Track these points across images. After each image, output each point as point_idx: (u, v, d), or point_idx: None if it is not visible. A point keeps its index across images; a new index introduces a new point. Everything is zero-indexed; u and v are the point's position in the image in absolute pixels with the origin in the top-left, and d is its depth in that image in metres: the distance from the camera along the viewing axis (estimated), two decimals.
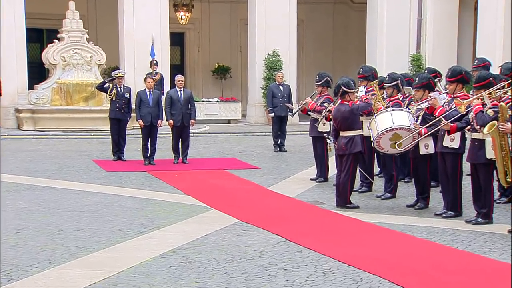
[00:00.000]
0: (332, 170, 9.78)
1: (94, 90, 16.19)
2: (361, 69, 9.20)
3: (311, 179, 9.98)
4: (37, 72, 20.85)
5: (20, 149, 12.97)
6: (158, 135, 11.74)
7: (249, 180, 9.99)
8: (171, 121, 11.31)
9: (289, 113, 13.22)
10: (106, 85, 11.85)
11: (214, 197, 8.57)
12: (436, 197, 8.28)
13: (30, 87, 17.17)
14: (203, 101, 19.34)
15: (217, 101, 19.45)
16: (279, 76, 13.67)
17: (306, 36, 23.77)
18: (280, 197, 8.63)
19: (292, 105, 13.00)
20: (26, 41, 17.13)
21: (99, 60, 17.15)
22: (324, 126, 9.51)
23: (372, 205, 8.14)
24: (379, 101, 8.38)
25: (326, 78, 9.91)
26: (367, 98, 8.13)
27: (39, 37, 21.57)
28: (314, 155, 10.12)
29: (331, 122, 8.61)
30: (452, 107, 7.11)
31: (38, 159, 11.86)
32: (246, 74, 20.89)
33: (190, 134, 11.91)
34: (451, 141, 7.11)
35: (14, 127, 16.40)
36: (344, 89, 7.96)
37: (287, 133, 13.86)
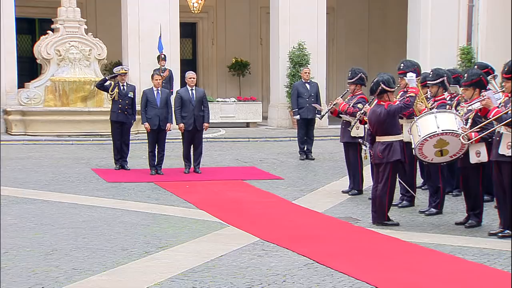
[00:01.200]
0: (368, 181, 9.73)
1: (94, 89, 16.35)
2: (402, 64, 9.10)
3: (343, 192, 9.95)
4: (28, 68, 21.12)
5: (8, 156, 13.14)
6: (166, 141, 11.82)
7: (271, 192, 9.99)
8: (181, 124, 11.38)
9: (317, 115, 13.20)
10: (107, 83, 11.97)
11: (230, 212, 8.59)
12: (491, 213, 8.19)
13: (20, 85, 17.37)
14: (218, 101, 19.43)
15: (234, 101, 19.51)
16: (306, 72, 13.68)
17: (337, 27, 23.76)
18: (307, 213, 8.62)
19: (321, 106, 12.99)
20: (16, 32, 17.33)
21: (99, 55, 17.32)
22: (358, 131, 9.49)
23: (415, 222, 8.08)
24: (421, 102, 8.33)
25: (360, 75, 9.89)
26: (408, 97, 8.02)
27: (31, 27, 21.84)
28: (346, 163, 10.09)
29: (366, 125, 8.58)
30: (510, 108, 7.01)
31: (29, 168, 12.01)
32: (268, 71, 20.92)
33: (203, 140, 11.97)
34: (508, 148, 7.00)
35: (1, 131, 16.57)
36: (384, 87, 7.93)
37: (314, 138, 13.86)
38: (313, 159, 13.35)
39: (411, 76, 8.10)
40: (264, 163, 13.02)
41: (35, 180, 10.73)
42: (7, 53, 16.83)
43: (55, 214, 8.26)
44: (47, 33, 17.39)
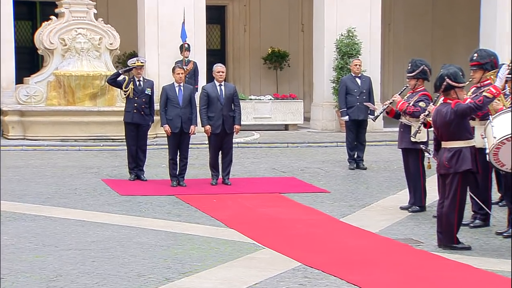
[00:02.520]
0: (432, 195, 9.63)
1: (105, 85, 16.52)
2: (476, 54, 8.92)
3: (402, 208, 9.87)
4: (28, 60, 21.44)
5: (4, 164, 13.32)
6: (190, 146, 11.87)
7: (314, 208, 9.96)
8: (208, 126, 11.42)
9: (370, 116, 13.12)
10: (121, 77, 12.07)
11: (266, 231, 8.58)
12: None
13: (19, 80, 17.62)
14: (251, 99, 19.47)
15: (271, 99, 19.52)
16: (356, 65, 13.63)
17: (395, 9, 23.63)
18: (358, 233, 8.56)
19: (374, 105, 12.92)
20: (14, 18, 17.58)
21: (111, 44, 17.48)
22: (420, 134, 9.40)
23: (490, 246, 7.97)
24: (498, 100, 8.22)
25: (422, 68, 9.80)
26: (483, 96, 7.88)
27: (31, 12, 22.17)
28: (406, 174, 10.01)
29: (430, 129, 8.49)
30: None
31: (29, 178, 12.16)
32: (311, 63, 20.88)
33: (233, 145, 11.98)
34: None
35: None
36: (450, 82, 7.83)
37: (367, 143, 13.79)
38: (365, 169, 13.28)
39: (503, 71, 7.79)
40: (306, 173, 12.98)
41: (36, 192, 10.86)
42: (3, 42, 17.01)
43: (59, 233, 8.34)
44: (50, 19, 17.61)
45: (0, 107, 16.69)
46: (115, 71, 13.94)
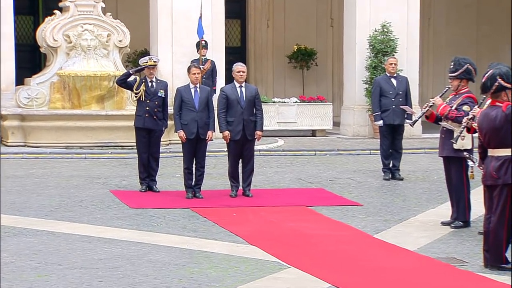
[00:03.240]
0: (477, 209, 9.55)
1: (113, 86, 16.58)
2: None
3: (443, 224, 9.80)
4: (29, 59, 21.57)
5: (4, 174, 13.37)
6: (207, 154, 11.87)
7: (345, 223, 9.91)
8: (227, 132, 11.41)
9: (407, 121, 13.05)
10: (131, 78, 12.10)
11: (291, 248, 8.55)
12: None
13: (19, 81, 17.72)
14: (274, 102, 19.46)
15: (296, 102, 19.51)
16: (392, 63, 13.57)
17: (435, 3, 23.54)
18: (394, 251, 8.51)
19: (412, 108, 12.84)
20: (14, 12, 17.67)
21: (120, 41, 17.54)
22: (464, 141, 9.33)
23: None
24: None
25: (466, 67, 9.74)
26: None
27: (33, 6, 22.33)
28: (448, 185, 9.94)
29: (475, 134, 8.42)
30: None
31: (30, 189, 12.21)
32: (341, 61, 20.85)
33: (255, 153, 11.97)
34: None
35: None
36: (503, 83, 7.75)
37: (403, 151, 13.72)
38: (402, 179, 13.21)
39: None
40: (336, 184, 12.93)
41: (38, 205, 10.90)
42: (2, 39, 17.07)
43: (63, 250, 8.36)
44: (54, 14, 17.69)
45: None
46: (125, 71, 13.97)
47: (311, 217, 10.32)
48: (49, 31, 17.23)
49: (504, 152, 7.73)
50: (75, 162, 15.24)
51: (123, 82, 12.13)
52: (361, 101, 18.99)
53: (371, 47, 18.74)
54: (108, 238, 8.91)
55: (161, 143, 12.50)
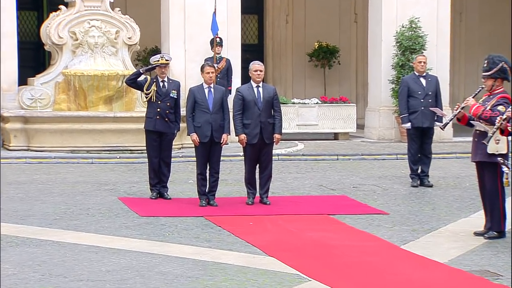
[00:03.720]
0: None
1: (122, 86, 16.64)
2: None
3: (476, 234, 9.76)
4: (33, 58, 21.68)
5: (5, 180, 13.45)
6: (222, 159, 11.89)
7: (370, 233, 9.90)
8: (243, 135, 11.42)
9: (437, 124, 13.02)
10: (142, 78, 12.14)
11: (312, 260, 8.54)
12: None
13: (22, 81, 17.80)
14: (294, 103, 19.47)
15: (317, 103, 19.50)
16: (420, 62, 13.55)
17: None
18: (423, 263, 8.49)
19: (442, 109, 12.81)
20: (16, 7, 17.74)
21: (129, 38, 17.60)
22: (498, 145, 9.29)
23: None
24: None
25: (501, 65, 9.69)
26: None
27: (37, 1, 22.44)
28: (481, 193, 9.90)
29: (511, 137, 8.38)
30: None
31: (34, 196, 12.27)
32: (365, 60, 20.82)
33: (273, 157, 11.97)
34: None
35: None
36: None
37: (433, 156, 13.68)
38: (431, 186, 13.18)
39: None
40: (360, 190, 12.92)
41: (42, 213, 10.94)
42: (3, 36, 17.17)
43: (69, 261, 8.38)
44: (59, 9, 17.78)
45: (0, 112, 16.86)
46: (135, 70, 14.01)
47: (333, 227, 10.30)
48: (54, 28, 17.31)
49: None
50: (82, 167, 15.29)
51: (133, 82, 12.15)
52: (387, 102, 18.96)
53: (398, 44, 18.70)
54: (116, 248, 8.93)
55: (173, 147, 12.53)
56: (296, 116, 19.18)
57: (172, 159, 12.31)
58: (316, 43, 22.80)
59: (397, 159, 16.20)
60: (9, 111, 16.86)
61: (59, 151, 16.36)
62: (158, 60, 11.97)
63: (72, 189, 12.83)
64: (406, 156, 13.75)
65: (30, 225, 10.11)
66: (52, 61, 17.93)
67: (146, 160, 12.33)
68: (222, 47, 17.81)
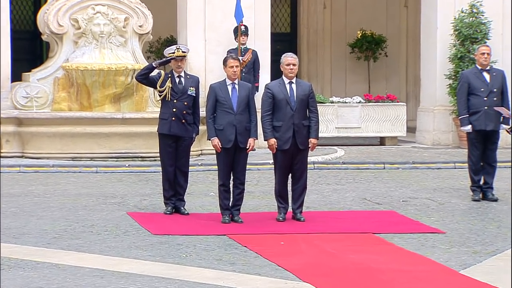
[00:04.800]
0: None
1: (132, 83, 16.68)
2: None
3: None
4: (29, 50, 21.81)
5: None
6: (248, 167, 11.89)
7: (423, 255, 9.86)
8: (273, 140, 11.41)
9: (504, 126, 12.94)
10: (155, 72, 12.17)
11: (354, 286, 8.53)
12: None
13: (16, 76, 17.92)
14: (332, 102, 19.45)
15: (360, 102, 19.47)
16: (483, 53, 13.49)
17: None
18: None
19: (510, 110, 12.73)
20: None
21: (140, 27, 17.66)
22: None
23: None
24: None
25: None
26: None
27: None
28: None
29: None
30: None
31: (29, 211, 12.30)
32: (417, 51, 20.76)
33: (308, 165, 11.95)
34: None
35: None
36: None
37: (498, 164, 13.62)
38: (496, 200, 13.10)
39: None
40: (411, 205, 12.87)
41: (38, 230, 10.97)
42: None
43: (70, 287, 8.42)
44: None
45: None
46: (147, 64, 14.06)
47: (379, 247, 10.27)
48: (53, 15, 17.39)
49: None
50: (85, 177, 15.36)
51: (144, 78, 12.17)
52: (443, 100, 18.89)
53: (456, 33, 18.64)
54: (124, 272, 8.95)
55: (191, 153, 12.55)
56: (336, 118, 19.15)
57: (190, 167, 12.34)
58: (359, 32, 22.79)
59: (455, 168, 16.14)
60: (1, 112, 16.88)
61: (59, 158, 16.43)
62: (174, 52, 11.98)
63: (74, 202, 12.88)
64: (466, 164, 13.69)
65: (25, 245, 10.15)
66: (51, 53, 18.01)
67: (160, 169, 12.36)
68: (248, 36, 17.82)
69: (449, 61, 18.67)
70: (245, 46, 17.75)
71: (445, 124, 18.97)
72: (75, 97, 17.18)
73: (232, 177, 11.55)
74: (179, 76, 12.03)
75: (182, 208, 12.02)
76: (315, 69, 23.30)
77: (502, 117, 12.88)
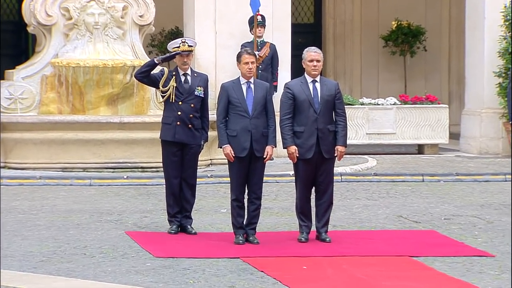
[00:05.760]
0: None
1: (131, 82, 16.71)
2: None
3: None
4: (13, 43, 21.87)
5: None
6: (265, 179, 11.88)
7: (469, 282, 9.83)
8: (293, 147, 11.39)
9: None
10: (157, 70, 12.19)
11: None
12: None
13: None
14: (363, 104, 19.43)
15: (395, 103, 19.45)
16: None
17: None
18: None
19: None
20: None
21: (141, 17, 17.69)
22: None
23: None
24: None
25: None
26: None
27: None
28: None
29: None
30: None
31: (13, 230, 12.30)
32: (461, 45, 20.72)
33: (334, 177, 11.93)
34: None
35: None
36: None
37: None
38: None
39: None
40: (455, 224, 12.86)
41: (23, 253, 10.97)
42: None
43: None
44: None
45: None
46: (148, 60, 14.09)
47: (418, 273, 10.25)
48: (41, 3, 17.42)
49: None
50: (76, 190, 15.38)
51: (145, 76, 12.20)
52: (491, 102, 18.87)
53: (507, 24, 18.60)
54: None
55: (199, 163, 12.55)
56: (366, 122, 19.14)
57: (198, 180, 12.35)
58: (393, 22, 22.78)
59: (506, 180, 16.09)
60: None
61: (46, 169, 16.47)
62: (179, 47, 12.01)
63: (64, 220, 12.90)
64: None
65: (7, 269, 10.15)
66: (38, 47, 18.07)
67: (163, 181, 12.38)
68: (265, 28, 17.82)
69: (499, 56, 18.63)
70: (262, 39, 17.75)
71: (494, 130, 18.93)
72: (66, 98, 17.20)
73: (246, 191, 11.55)
74: (185, 74, 12.05)
75: (188, 226, 12.03)
76: (342, 66, 23.29)
77: None
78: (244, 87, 11.53)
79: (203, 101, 12.09)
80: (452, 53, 23.17)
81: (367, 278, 10.02)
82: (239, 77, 11.63)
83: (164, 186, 12.26)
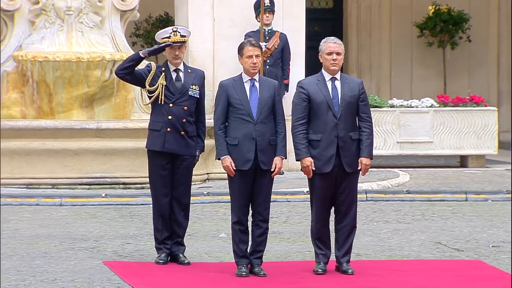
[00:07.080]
0: None
1: (112, 79, 16.76)
2: None
3: None
4: None
5: None
6: (273, 198, 11.90)
7: None
8: (308, 159, 11.43)
9: None
10: (143, 65, 12.24)
11: None
12: None
13: None
14: (393, 106, 19.46)
15: (432, 106, 19.48)
16: None
17: None
18: None
19: None
20: None
21: (122, 1, 17.73)
22: None
23: None
24: None
25: None
26: None
27: None
28: None
29: None
30: None
31: None
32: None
33: (359, 196, 11.96)
34: None
35: None
36: None
37: None
38: None
39: None
40: (504, 252, 12.88)
41: None
42: None
43: None
44: None
45: None
46: (132, 53, 14.13)
47: None
48: None
49: None
50: (44, 211, 15.42)
51: (128, 73, 12.23)
52: None
53: None
54: None
55: (194, 178, 12.59)
56: (397, 128, 19.18)
57: (192, 198, 12.38)
58: (430, 7, 22.86)
59: None
60: None
61: (8, 185, 16.50)
62: (169, 37, 12.06)
63: (29, 247, 12.94)
64: None
65: None
66: None
67: (150, 200, 12.41)
68: (273, 14, 17.86)
69: None
70: (270, 27, 17.80)
71: None
72: (31, 99, 17.24)
73: (250, 212, 11.60)
74: (176, 70, 12.10)
75: (181, 255, 12.06)
76: (368, 60, 23.36)
77: None
78: (247, 86, 11.55)
79: (199, 102, 12.13)
80: (501, 45, 23.23)
81: None
82: (241, 74, 11.64)
83: (151, 206, 12.30)
